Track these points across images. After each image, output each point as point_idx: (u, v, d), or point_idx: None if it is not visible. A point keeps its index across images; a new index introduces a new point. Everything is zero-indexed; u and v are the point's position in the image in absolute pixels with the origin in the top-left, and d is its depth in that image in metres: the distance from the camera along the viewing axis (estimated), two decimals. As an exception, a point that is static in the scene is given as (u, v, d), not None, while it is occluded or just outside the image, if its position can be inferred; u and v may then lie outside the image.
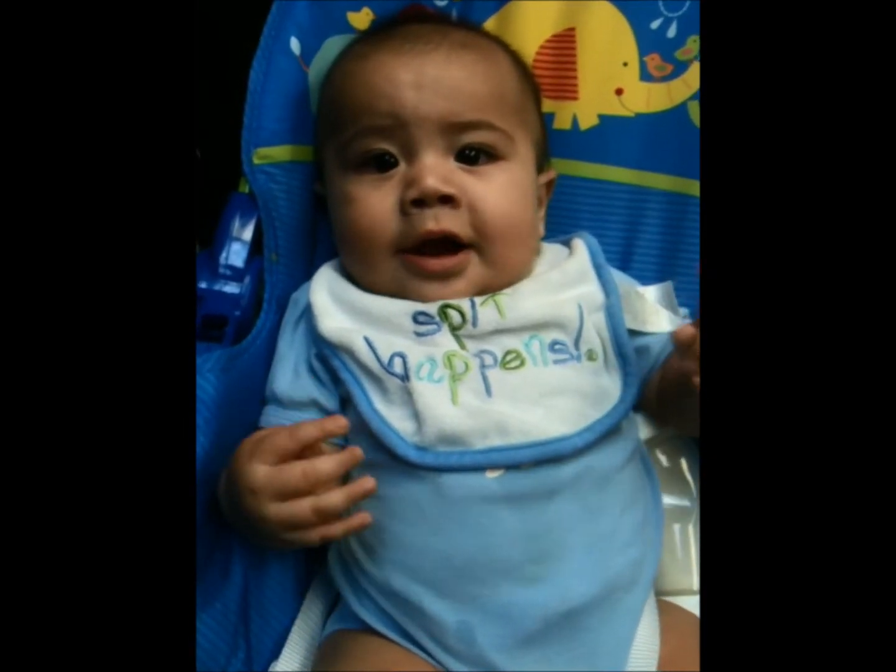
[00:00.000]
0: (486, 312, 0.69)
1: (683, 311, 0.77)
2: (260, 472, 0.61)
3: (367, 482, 0.61)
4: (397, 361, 0.68)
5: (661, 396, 0.73)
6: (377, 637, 0.67)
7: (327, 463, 0.61)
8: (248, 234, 0.79)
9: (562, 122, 0.84)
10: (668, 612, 0.70)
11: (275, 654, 0.71)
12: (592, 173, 0.84)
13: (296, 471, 0.60)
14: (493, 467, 0.64)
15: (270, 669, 0.70)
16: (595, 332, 0.71)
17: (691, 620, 0.70)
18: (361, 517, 0.61)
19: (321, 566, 0.75)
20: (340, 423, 0.62)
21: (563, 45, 0.84)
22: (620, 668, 0.65)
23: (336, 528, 0.61)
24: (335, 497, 0.60)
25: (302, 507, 0.60)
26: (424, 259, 0.70)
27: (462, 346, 0.69)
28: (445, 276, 0.70)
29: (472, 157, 0.71)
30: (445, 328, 0.69)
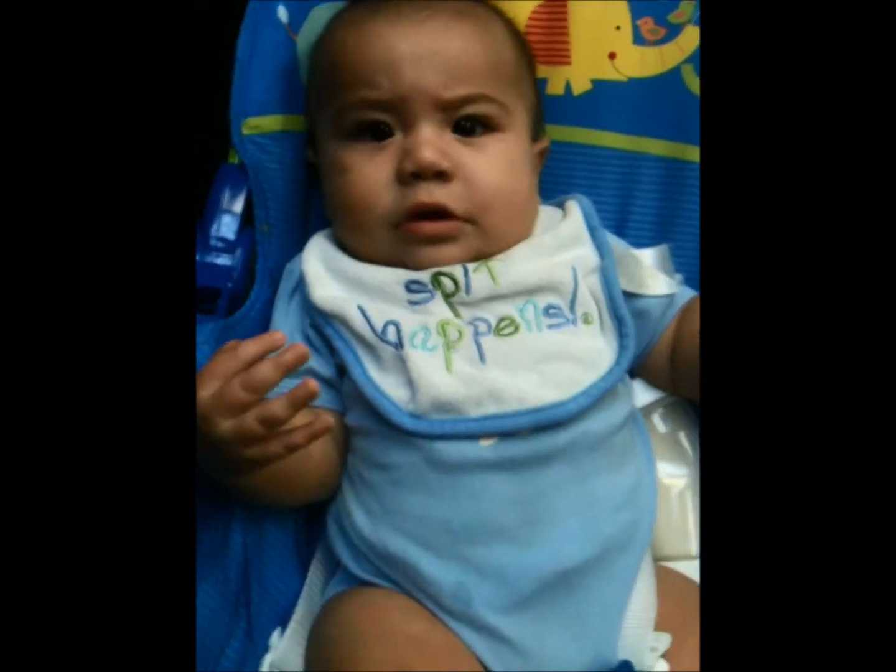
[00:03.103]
0: (479, 279, 0.69)
1: (678, 276, 0.76)
2: (203, 394, 0.59)
3: (309, 383, 0.59)
4: (391, 330, 0.67)
5: (677, 362, 0.73)
6: (375, 587, 0.67)
7: (264, 367, 0.59)
8: (238, 205, 0.78)
9: (555, 88, 0.83)
10: (664, 576, 0.71)
11: (275, 624, 0.71)
12: (586, 139, 0.83)
13: (234, 385, 0.58)
14: (487, 435, 0.64)
15: (272, 642, 0.70)
16: (590, 294, 0.71)
17: (688, 583, 0.71)
18: (324, 419, 0.60)
19: (321, 535, 0.75)
20: (277, 336, 0.60)
21: (555, 9, 0.83)
22: (616, 629, 0.65)
23: (298, 435, 0.59)
24: (276, 404, 0.59)
25: (247, 419, 0.59)
26: (418, 224, 0.69)
27: (456, 314, 0.68)
28: (438, 239, 0.69)
29: (468, 128, 0.71)
30: (438, 296, 0.69)
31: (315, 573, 0.75)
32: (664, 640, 0.65)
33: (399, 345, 0.67)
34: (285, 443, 0.60)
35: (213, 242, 0.76)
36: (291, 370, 0.59)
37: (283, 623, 0.71)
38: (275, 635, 0.71)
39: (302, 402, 0.59)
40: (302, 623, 0.71)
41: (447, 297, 0.69)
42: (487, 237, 0.71)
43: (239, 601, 0.70)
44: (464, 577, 0.64)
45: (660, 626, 0.66)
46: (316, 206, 0.82)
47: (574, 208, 0.76)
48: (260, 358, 0.60)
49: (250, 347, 0.60)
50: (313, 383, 0.59)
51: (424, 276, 0.69)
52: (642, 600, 0.67)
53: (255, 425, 0.59)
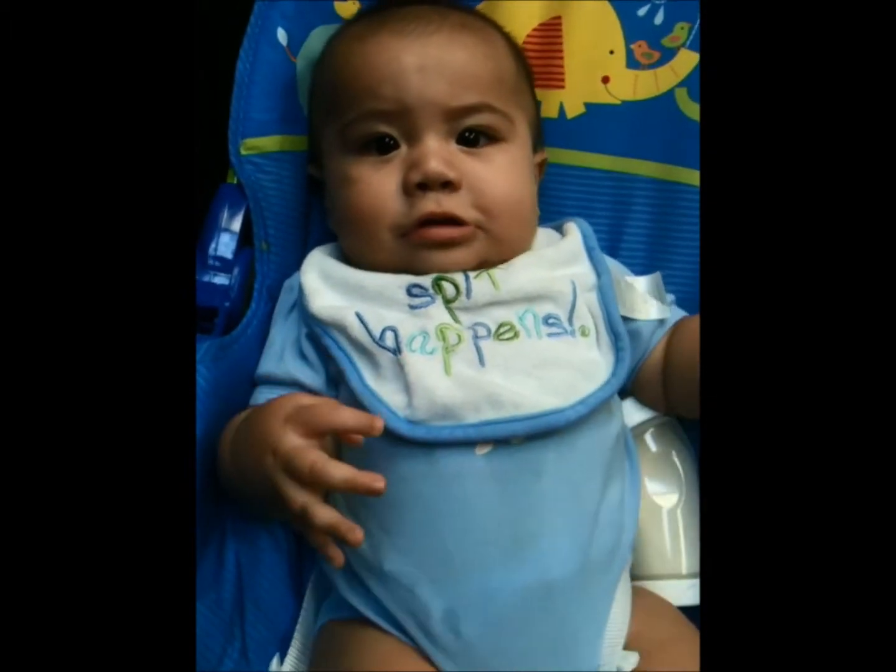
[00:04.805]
0: (481, 284, 0.69)
1: (670, 297, 0.78)
2: (289, 440, 0.60)
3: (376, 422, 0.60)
4: (389, 335, 0.68)
5: (669, 380, 0.74)
6: (369, 629, 0.67)
7: (337, 469, 0.59)
8: (236, 224, 0.79)
9: (548, 111, 0.84)
10: (637, 594, 0.72)
11: (271, 643, 0.72)
12: (579, 161, 0.84)
13: (307, 460, 0.59)
14: (485, 441, 0.64)
15: (271, 668, 0.71)
16: (587, 310, 0.72)
17: (659, 601, 0.72)
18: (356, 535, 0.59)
19: (315, 556, 0.75)
20: (378, 426, 0.59)
21: (550, 33, 0.84)
22: (597, 646, 0.66)
23: (337, 555, 0.61)
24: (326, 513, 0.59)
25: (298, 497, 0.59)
26: (430, 229, 0.69)
27: (455, 320, 0.69)
28: (449, 244, 0.70)
29: (472, 139, 0.71)
30: (439, 300, 0.69)
31: (311, 599, 0.75)
32: (631, 660, 0.66)
33: (397, 350, 0.67)
34: (324, 546, 0.61)
35: (210, 261, 0.77)
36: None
37: (279, 642, 0.72)
38: (274, 662, 0.71)
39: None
40: (302, 650, 0.72)
41: (447, 302, 0.69)
42: (496, 243, 0.71)
43: (233, 621, 0.70)
44: (454, 601, 0.64)
45: (630, 642, 0.67)
46: (315, 224, 0.83)
47: (573, 229, 0.77)
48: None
49: (349, 418, 0.60)
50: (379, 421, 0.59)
51: (426, 280, 0.69)
52: (617, 618, 0.68)
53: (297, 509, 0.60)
